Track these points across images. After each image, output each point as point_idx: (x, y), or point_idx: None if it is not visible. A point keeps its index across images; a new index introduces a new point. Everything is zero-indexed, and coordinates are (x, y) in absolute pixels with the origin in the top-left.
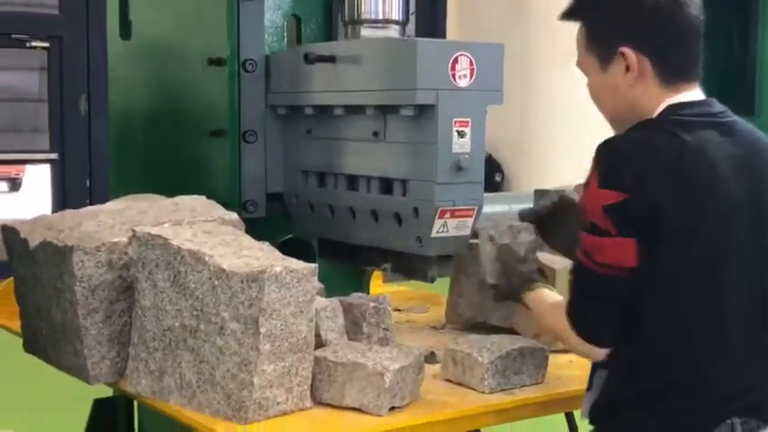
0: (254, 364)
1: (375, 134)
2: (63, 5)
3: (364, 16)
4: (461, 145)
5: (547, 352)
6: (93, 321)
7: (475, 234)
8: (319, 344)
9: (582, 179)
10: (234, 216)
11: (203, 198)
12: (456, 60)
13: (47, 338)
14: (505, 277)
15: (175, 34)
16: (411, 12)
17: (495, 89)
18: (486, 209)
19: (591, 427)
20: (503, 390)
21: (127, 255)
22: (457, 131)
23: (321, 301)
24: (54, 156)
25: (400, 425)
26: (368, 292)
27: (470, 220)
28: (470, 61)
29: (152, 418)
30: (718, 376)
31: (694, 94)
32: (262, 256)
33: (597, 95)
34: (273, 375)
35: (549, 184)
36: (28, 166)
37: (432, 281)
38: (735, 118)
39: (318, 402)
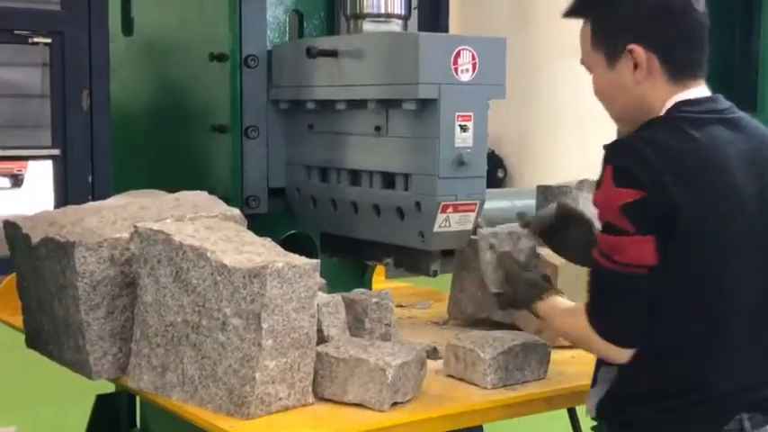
0: (256, 359)
1: (377, 128)
2: (65, 1)
3: (366, 11)
4: (464, 139)
5: (549, 348)
6: (96, 317)
7: (475, 230)
8: (321, 339)
9: (584, 175)
10: (236, 212)
11: (205, 194)
12: (458, 55)
13: (49, 334)
14: (510, 285)
15: (177, 30)
16: (413, 6)
17: (498, 83)
18: (489, 204)
19: (593, 423)
20: (505, 385)
21: (129, 250)
22: (459, 126)
23: (323, 297)
24: (56, 152)
25: (402, 420)
26: (370, 288)
27: (473, 215)
28: (472, 55)
29: (154, 413)
30: (724, 373)
31: (701, 90)
32: (264, 251)
33: (603, 93)
34: (275, 371)
35: (552, 180)
36: (30, 162)
37: (434, 275)
38: (741, 114)
39: (320, 398)
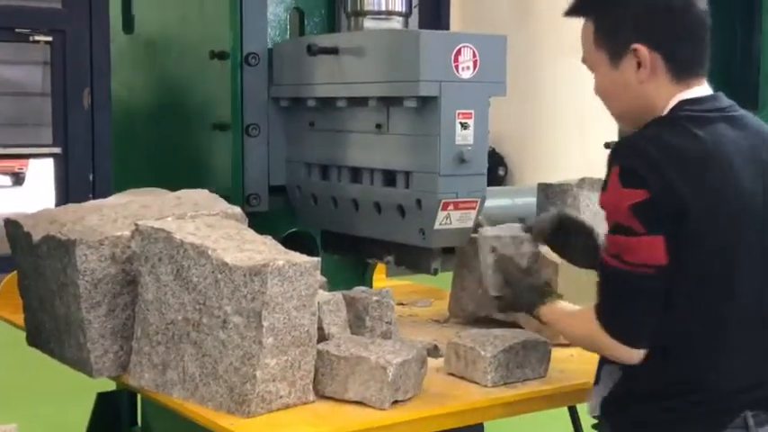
0: (256, 357)
1: (378, 126)
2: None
3: (367, 8)
4: (464, 137)
5: (549, 346)
6: (97, 315)
7: (476, 228)
8: (322, 337)
9: (584, 173)
10: (237, 210)
11: (206, 192)
12: (459, 52)
13: (50, 332)
14: (511, 290)
15: (178, 28)
16: (414, 4)
17: (498, 81)
18: (490, 203)
19: (593, 422)
20: (506, 383)
21: (130, 248)
22: (460, 123)
23: (324, 295)
24: (57, 150)
25: (403, 418)
26: (371, 286)
27: (473, 212)
28: (473, 53)
29: (155, 411)
30: (727, 372)
31: (703, 89)
32: (264, 249)
33: (606, 92)
34: (276, 369)
35: (553, 178)
36: (31, 161)
37: (435, 273)
38: (742, 112)
39: (321, 396)
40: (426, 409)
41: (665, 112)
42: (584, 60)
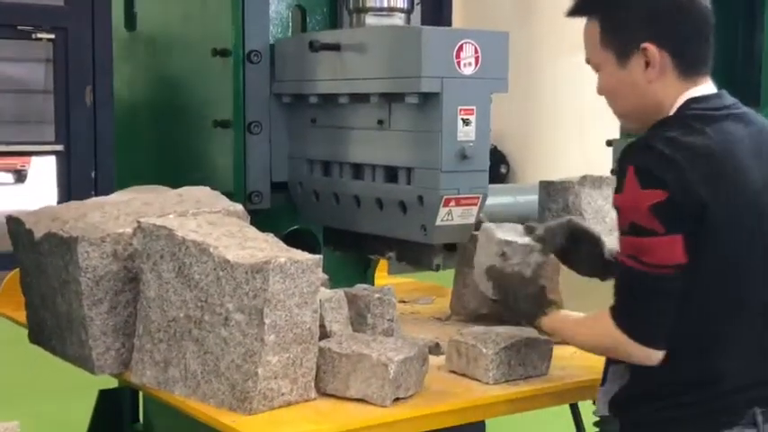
0: (258, 354)
1: (380, 122)
2: None
3: (369, 4)
4: (466, 133)
5: (551, 343)
6: (98, 312)
7: (477, 226)
8: (324, 335)
9: (586, 171)
10: (238, 207)
11: (208, 189)
12: (461, 48)
13: (52, 329)
14: (510, 296)
15: (180, 25)
16: (416, 1)
17: (500, 77)
18: (491, 200)
19: (595, 419)
20: (507, 381)
21: (132, 246)
22: (462, 119)
23: (326, 292)
24: (59, 147)
25: (404, 416)
26: (373, 284)
27: (475, 209)
28: (475, 49)
29: (157, 408)
30: (736, 369)
31: (708, 87)
32: (266, 247)
33: (613, 92)
34: (278, 366)
35: (555, 176)
36: (33, 158)
37: (436, 269)
38: (745, 109)
39: (323, 393)
40: (428, 406)
41: (673, 110)
42: (589, 61)
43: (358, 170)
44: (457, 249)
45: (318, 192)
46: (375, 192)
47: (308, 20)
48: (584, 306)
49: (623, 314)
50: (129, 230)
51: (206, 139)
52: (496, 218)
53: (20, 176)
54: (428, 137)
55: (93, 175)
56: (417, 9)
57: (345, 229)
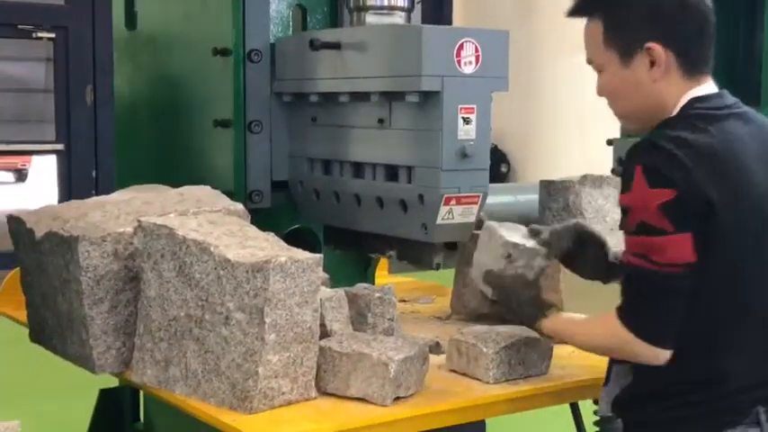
0: (259, 354)
1: (380, 121)
2: None
3: (369, 3)
4: (467, 131)
5: (551, 343)
6: (99, 311)
7: (478, 225)
8: (324, 334)
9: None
10: (239, 206)
11: (209, 188)
12: (461, 47)
13: (53, 329)
14: (509, 299)
15: (181, 25)
16: (416, 0)
17: (501, 76)
18: (492, 199)
19: (595, 418)
20: (507, 380)
21: (132, 245)
22: (462, 118)
23: (326, 292)
24: (60, 146)
25: (405, 415)
26: (373, 283)
27: (476, 207)
28: (476, 48)
29: (157, 407)
30: (741, 368)
31: (710, 86)
32: (267, 246)
33: (615, 92)
34: (278, 365)
35: (555, 175)
36: (34, 157)
37: (437, 268)
38: (746, 108)
39: (323, 392)
40: (428, 405)
41: (676, 110)
42: (590, 61)
43: (358, 169)
44: (457, 249)
45: (319, 190)
46: (375, 190)
47: (308, 19)
48: (584, 308)
49: (631, 314)
50: (129, 230)
51: (206, 139)
52: (497, 217)
53: (20, 176)
54: (429, 135)
55: (93, 174)
56: (418, 8)
57: (346, 228)
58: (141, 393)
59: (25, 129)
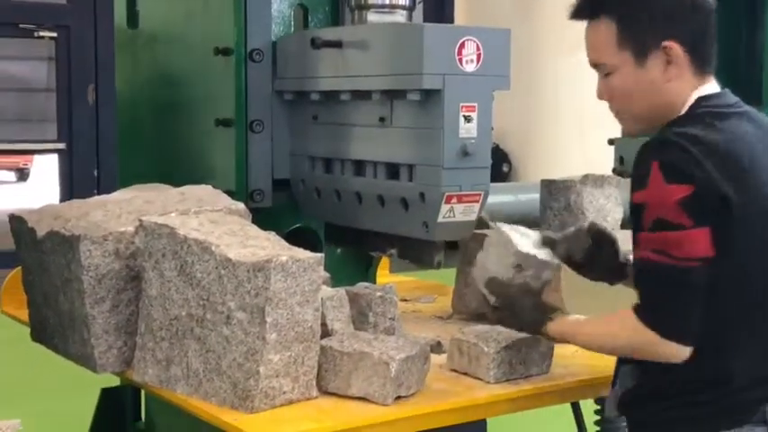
0: (260, 353)
1: (381, 119)
2: None
3: (371, 1)
4: (468, 130)
5: (552, 342)
6: (101, 311)
7: (478, 224)
8: (325, 333)
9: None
10: (240, 206)
11: (210, 188)
12: (463, 45)
13: (54, 328)
14: (514, 306)
15: (182, 24)
16: None
17: (502, 74)
18: (493, 199)
19: (596, 418)
20: (508, 380)
21: (134, 244)
22: (463, 116)
23: (327, 291)
24: (62, 146)
25: (406, 414)
26: (374, 282)
27: (477, 206)
28: (477, 46)
29: (159, 407)
30: (748, 366)
31: (713, 85)
32: (268, 245)
33: (629, 93)
34: (279, 365)
35: (557, 175)
36: (36, 156)
37: (438, 266)
38: (748, 107)
39: (324, 392)
40: (429, 405)
41: (685, 109)
42: (595, 64)
43: (360, 167)
44: (458, 248)
45: (320, 189)
46: (377, 189)
47: (309, 18)
48: (584, 307)
49: (649, 310)
50: (131, 229)
51: (208, 138)
52: (498, 216)
53: (22, 175)
54: (430, 134)
55: (95, 173)
56: (419, 6)
57: (347, 226)
58: (142, 393)
59: (27, 128)
